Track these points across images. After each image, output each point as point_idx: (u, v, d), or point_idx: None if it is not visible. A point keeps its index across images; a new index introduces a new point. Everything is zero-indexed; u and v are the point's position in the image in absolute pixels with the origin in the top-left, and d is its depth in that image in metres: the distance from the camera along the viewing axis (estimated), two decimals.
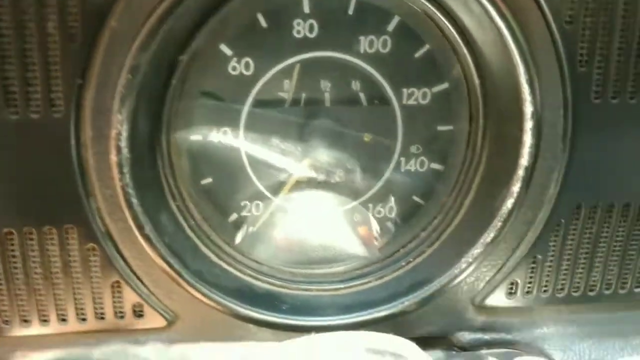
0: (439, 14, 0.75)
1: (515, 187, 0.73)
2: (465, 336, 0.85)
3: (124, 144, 0.66)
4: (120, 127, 0.65)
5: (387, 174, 0.86)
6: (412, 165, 0.86)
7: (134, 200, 0.69)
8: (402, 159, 0.85)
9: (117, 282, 0.76)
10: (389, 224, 0.89)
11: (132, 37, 0.63)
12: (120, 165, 0.67)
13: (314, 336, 0.60)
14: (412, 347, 0.71)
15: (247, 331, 0.81)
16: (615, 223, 0.79)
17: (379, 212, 0.89)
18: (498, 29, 0.66)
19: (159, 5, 0.62)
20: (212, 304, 0.77)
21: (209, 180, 0.83)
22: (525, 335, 0.85)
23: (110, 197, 0.71)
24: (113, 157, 0.67)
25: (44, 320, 0.77)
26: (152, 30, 0.62)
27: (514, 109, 0.70)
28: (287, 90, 0.80)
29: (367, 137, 0.84)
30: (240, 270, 0.83)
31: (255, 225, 0.87)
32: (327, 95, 0.81)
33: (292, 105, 0.81)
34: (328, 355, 0.48)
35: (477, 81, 0.76)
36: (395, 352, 0.51)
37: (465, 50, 0.75)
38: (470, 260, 0.77)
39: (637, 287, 0.84)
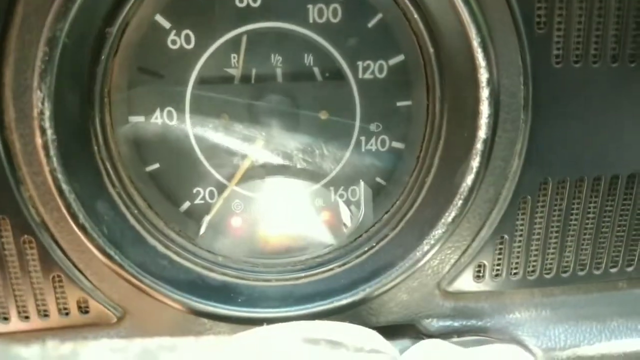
0: None
1: (475, 162, 0.68)
2: (434, 323, 0.81)
3: (47, 124, 0.61)
4: (41, 106, 0.60)
5: (348, 155, 0.82)
6: (373, 145, 0.82)
7: (65, 187, 0.64)
8: (362, 138, 0.81)
9: (58, 276, 0.71)
10: (353, 208, 0.85)
11: (47, 6, 0.58)
12: (46, 148, 0.63)
13: (252, 329, 0.56)
14: (372, 335, 0.66)
15: (201, 326, 0.77)
16: (586, 198, 0.75)
17: (342, 196, 0.84)
18: None
19: None
20: (160, 297, 0.73)
21: (155, 166, 0.79)
22: (496, 321, 0.81)
23: (42, 184, 0.66)
24: (38, 139, 0.62)
25: None
26: None
27: (469, 78, 0.66)
28: (234, 66, 0.76)
29: (323, 115, 0.80)
30: (191, 261, 0.78)
31: (209, 213, 0.82)
32: (278, 71, 0.77)
33: (241, 82, 0.76)
34: (260, 348, 0.44)
35: (431, 50, 0.72)
36: (332, 339, 0.46)
37: (416, 16, 0.71)
38: (433, 242, 0.73)
39: (612, 267, 0.80)
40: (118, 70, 0.71)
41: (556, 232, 0.76)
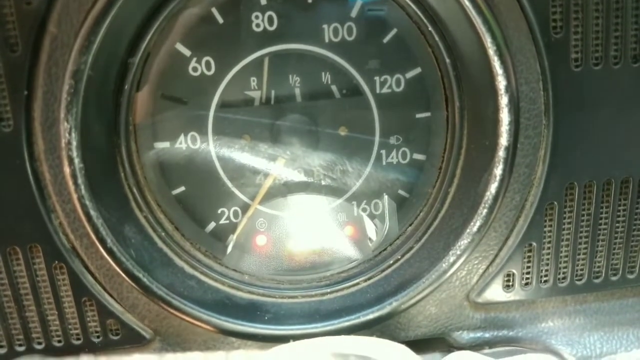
0: None
1: (498, 170, 0.67)
2: (464, 335, 0.79)
3: (75, 153, 0.63)
4: (69, 137, 0.62)
5: (369, 169, 0.82)
6: (394, 158, 0.82)
7: (93, 213, 0.66)
8: (383, 152, 0.81)
9: (89, 300, 0.73)
10: (377, 221, 0.85)
11: (72, 41, 0.60)
12: (74, 177, 0.64)
13: (281, 346, 0.56)
14: (401, 350, 0.66)
15: (230, 345, 0.77)
16: (614, 201, 0.73)
17: (365, 210, 0.84)
18: None
19: (94, 5, 0.59)
20: (189, 318, 0.73)
21: (181, 189, 0.80)
22: (528, 331, 0.79)
23: (71, 212, 0.68)
24: (66, 169, 0.64)
25: (19, 345, 0.74)
26: (90, 32, 0.60)
27: (487, 86, 0.65)
28: (254, 88, 0.77)
29: (343, 131, 0.81)
30: (218, 281, 0.78)
31: (235, 233, 0.83)
32: (297, 91, 0.78)
33: (261, 104, 0.78)
34: None
35: (447, 60, 0.72)
36: (361, 354, 0.46)
37: (431, 29, 0.71)
38: (459, 252, 0.72)
39: None
40: (142, 98, 0.73)
41: (585, 237, 0.75)
